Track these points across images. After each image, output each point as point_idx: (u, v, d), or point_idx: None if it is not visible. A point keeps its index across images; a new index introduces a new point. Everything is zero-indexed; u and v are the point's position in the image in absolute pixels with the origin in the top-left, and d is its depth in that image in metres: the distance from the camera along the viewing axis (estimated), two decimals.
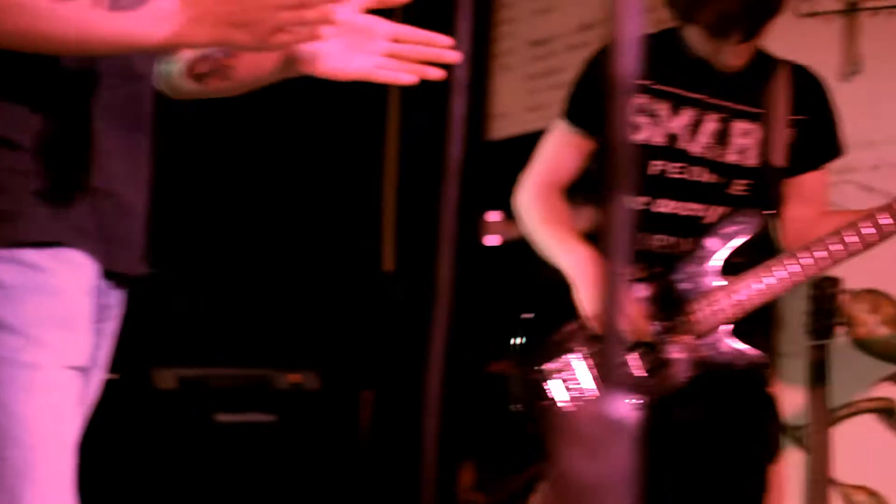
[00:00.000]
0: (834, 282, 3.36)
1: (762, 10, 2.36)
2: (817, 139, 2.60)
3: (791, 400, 3.63)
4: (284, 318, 4.50)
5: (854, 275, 3.46)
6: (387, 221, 5.11)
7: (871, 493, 3.42)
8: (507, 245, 4.22)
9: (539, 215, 2.57)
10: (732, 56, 2.45)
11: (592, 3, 4.39)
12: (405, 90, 4.70)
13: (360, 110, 4.82)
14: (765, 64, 2.58)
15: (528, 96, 4.49)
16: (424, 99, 4.73)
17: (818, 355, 3.29)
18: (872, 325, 3.49)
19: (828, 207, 2.65)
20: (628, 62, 0.68)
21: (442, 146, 4.63)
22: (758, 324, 2.51)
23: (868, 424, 3.50)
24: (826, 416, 3.24)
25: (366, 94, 4.78)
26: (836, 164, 3.50)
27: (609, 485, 0.71)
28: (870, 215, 2.36)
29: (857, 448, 3.48)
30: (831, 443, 3.27)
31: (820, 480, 3.24)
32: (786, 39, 3.61)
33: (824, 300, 3.35)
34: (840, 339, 3.57)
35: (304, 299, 4.62)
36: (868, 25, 3.52)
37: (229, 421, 4.02)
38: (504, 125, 4.74)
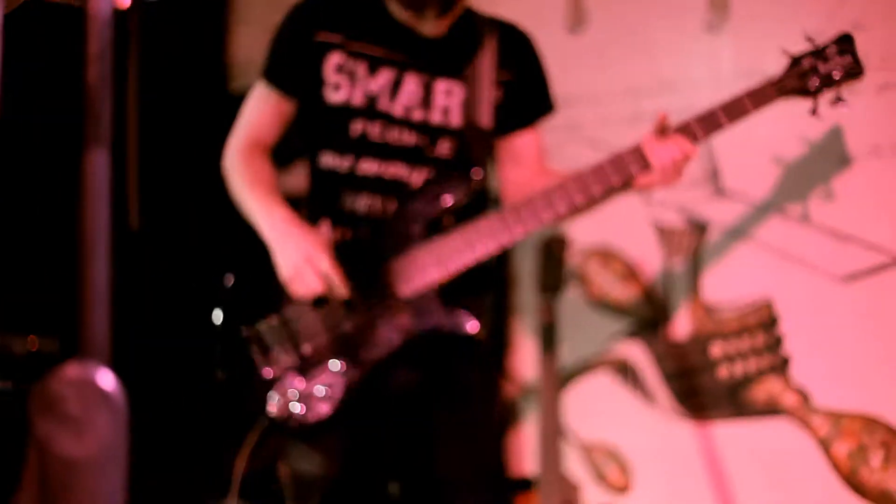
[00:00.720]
0: (562, 240, 3.35)
1: None
2: (525, 98, 2.55)
3: (529, 357, 3.62)
4: (20, 281, 4.27)
5: (583, 233, 3.47)
6: (131, 179, 4.92)
7: (609, 450, 3.44)
8: None
9: (241, 177, 2.44)
10: (432, 26, 2.37)
11: None
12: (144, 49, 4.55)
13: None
14: (471, 25, 2.51)
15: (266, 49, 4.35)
16: (164, 57, 4.58)
17: (547, 314, 3.28)
18: (604, 282, 3.49)
19: (543, 166, 2.60)
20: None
21: (183, 101, 4.38)
22: (472, 285, 2.43)
23: (604, 381, 3.51)
24: (554, 374, 3.23)
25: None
26: (563, 122, 3.49)
27: (95, 462, 0.57)
28: (578, 176, 2.31)
29: (594, 405, 3.49)
30: (561, 401, 3.27)
31: (551, 437, 3.23)
32: None
33: (553, 259, 3.34)
34: (573, 297, 3.57)
35: (40, 261, 4.40)
36: None
37: None
38: (245, 79, 4.58)
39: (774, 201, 3.06)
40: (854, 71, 2.39)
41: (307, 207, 2.48)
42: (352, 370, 2.26)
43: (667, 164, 2.30)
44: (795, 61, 2.40)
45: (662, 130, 2.33)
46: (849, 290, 2.90)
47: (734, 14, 3.15)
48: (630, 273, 3.42)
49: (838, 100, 2.39)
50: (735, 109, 2.35)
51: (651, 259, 3.37)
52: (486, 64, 2.48)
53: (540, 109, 2.59)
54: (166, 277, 4.32)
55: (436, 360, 2.39)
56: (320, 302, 2.25)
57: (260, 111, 2.49)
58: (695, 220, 3.25)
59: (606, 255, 3.49)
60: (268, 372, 2.26)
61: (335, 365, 2.26)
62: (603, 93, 3.44)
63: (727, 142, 3.15)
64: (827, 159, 2.94)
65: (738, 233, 3.15)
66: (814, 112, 2.39)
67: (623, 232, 3.42)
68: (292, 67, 2.44)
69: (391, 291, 2.28)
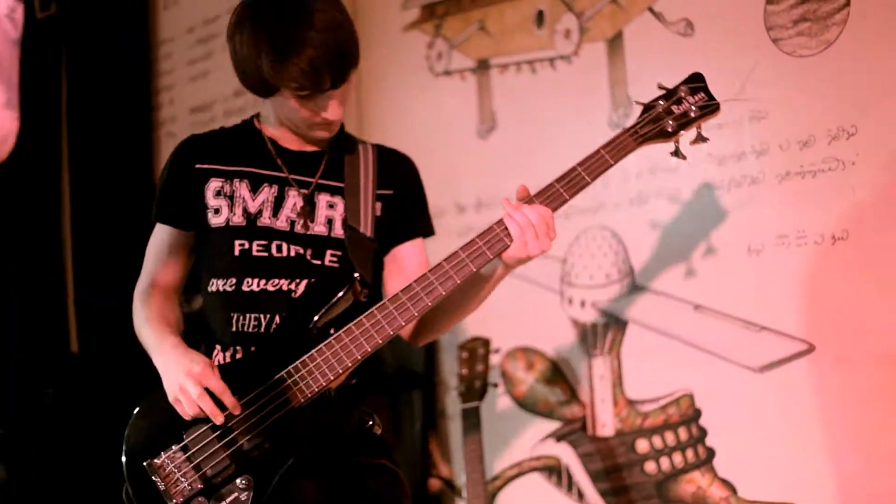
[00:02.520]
0: (485, 342, 3.34)
1: (346, 51, 2.32)
2: (407, 211, 2.56)
3: (458, 459, 3.59)
4: None
5: (505, 333, 3.46)
6: (69, 302, 4.91)
7: None
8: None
9: (138, 317, 2.49)
10: (330, 111, 2.38)
11: None
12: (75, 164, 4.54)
13: (35, 185, 4.62)
14: (350, 145, 2.54)
15: None
16: (95, 178, 4.58)
17: (470, 417, 3.26)
18: (529, 382, 3.48)
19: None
20: None
21: (116, 222, 4.35)
22: (366, 383, 2.42)
23: (535, 482, 3.48)
24: (480, 476, 3.20)
25: (39, 169, 4.64)
26: (478, 223, 3.51)
27: None
28: (452, 256, 2.29)
29: None
30: (487, 500, 3.23)
31: None
32: (425, 99, 3.62)
33: (476, 362, 3.33)
34: (501, 398, 3.55)
35: None
36: (498, 82, 3.55)
37: None
38: None
39: (688, 296, 3.07)
40: (709, 106, 2.36)
41: (200, 332, 2.49)
42: (258, 484, 2.23)
43: (524, 230, 2.24)
44: (648, 107, 2.38)
45: (525, 200, 2.32)
46: (765, 380, 2.90)
47: (636, 110, 3.19)
48: (554, 372, 3.41)
49: (700, 139, 2.36)
50: (594, 165, 2.31)
51: (574, 358, 3.36)
52: (367, 178, 2.50)
53: (422, 227, 2.59)
54: (106, 400, 4.28)
55: (339, 464, 2.36)
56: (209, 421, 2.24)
57: (158, 251, 2.51)
58: (614, 318, 3.26)
59: (529, 354, 3.48)
60: (177, 499, 2.22)
61: (241, 482, 2.22)
62: (514, 193, 3.45)
63: (638, 242, 3.18)
64: (735, 252, 2.96)
65: (656, 328, 3.15)
66: (676, 153, 2.35)
67: (545, 332, 3.42)
68: (178, 201, 2.45)
69: (285, 401, 2.26)
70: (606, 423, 3.28)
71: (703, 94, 2.37)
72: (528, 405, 3.49)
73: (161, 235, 2.51)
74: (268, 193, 2.44)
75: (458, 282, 2.26)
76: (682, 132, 2.35)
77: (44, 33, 4.63)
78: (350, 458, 2.36)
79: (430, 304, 2.27)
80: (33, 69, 4.64)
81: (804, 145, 2.82)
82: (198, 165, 2.45)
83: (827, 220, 2.78)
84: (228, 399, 2.24)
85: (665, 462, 3.15)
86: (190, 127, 4.56)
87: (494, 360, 3.41)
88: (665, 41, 3.12)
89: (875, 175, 2.70)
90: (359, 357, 2.27)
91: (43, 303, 4.75)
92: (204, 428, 2.26)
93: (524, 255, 2.25)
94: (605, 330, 3.28)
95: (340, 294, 2.31)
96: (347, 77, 2.32)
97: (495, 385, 3.36)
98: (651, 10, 3.16)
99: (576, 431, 3.36)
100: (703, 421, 3.06)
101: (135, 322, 2.50)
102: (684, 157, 2.34)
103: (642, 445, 3.20)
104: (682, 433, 3.11)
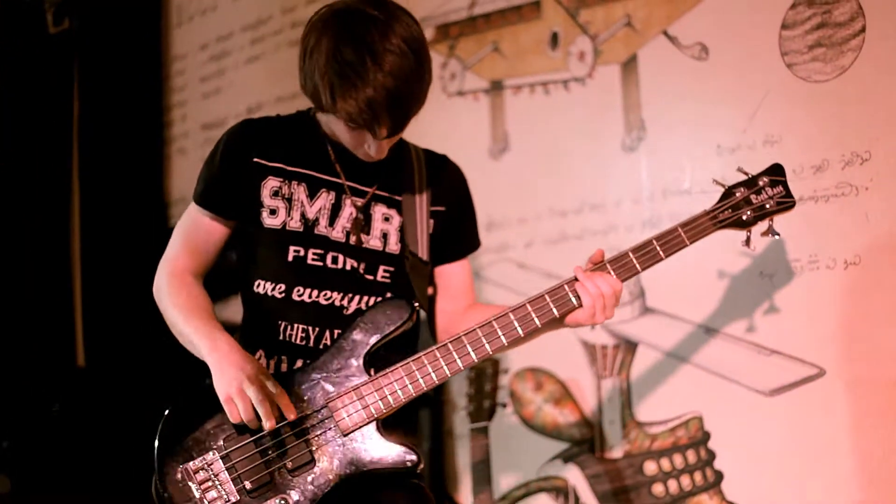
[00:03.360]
0: (494, 362, 3.34)
1: (407, 105, 2.27)
2: (458, 231, 2.56)
3: (465, 479, 3.58)
4: None
5: (515, 354, 3.46)
6: (77, 318, 4.91)
7: None
8: None
9: (175, 304, 2.38)
10: (373, 149, 2.34)
11: (258, 86, 4.34)
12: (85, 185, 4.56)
13: (45, 199, 4.63)
14: (406, 153, 2.51)
15: None
16: (105, 193, 4.59)
17: (479, 437, 3.26)
18: (538, 403, 3.48)
19: (473, 299, 2.60)
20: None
21: (125, 238, 4.34)
22: (409, 417, 2.41)
23: (542, 503, 3.47)
24: (488, 496, 3.19)
25: (49, 183, 4.65)
26: (492, 243, 3.52)
27: None
28: (518, 309, 2.31)
29: None
30: None
31: None
32: (438, 119, 3.63)
33: (484, 382, 3.33)
34: (509, 418, 3.55)
35: None
36: (511, 103, 3.57)
37: None
38: (182, 210, 4.59)
39: (699, 319, 3.08)
40: (786, 202, 2.41)
41: (242, 334, 2.43)
42: None
43: (596, 300, 2.29)
44: (728, 192, 2.41)
45: (598, 264, 2.34)
46: (775, 404, 2.91)
47: (649, 133, 3.21)
48: (563, 393, 3.41)
49: (772, 232, 2.41)
50: (671, 242, 2.35)
51: (583, 378, 3.36)
52: (422, 193, 2.47)
53: (471, 244, 2.60)
54: (113, 414, 4.28)
55: (376, 497, 2.33)
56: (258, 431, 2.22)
57: (194, 234, 2.43)
58: (624, 339, 3.26)
59: (538, 375, 3.48)
60: None
61: (279, 501, 2.21)
62: (528, 215, 3.47)
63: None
64: (747, 277, 2.97)
65: (666, 350, 3.16)
66: (747, 243, 2.39)
67: (555, 352, 3.42)
68: (228, 190, 2.38)
69: (334, 427, 2.25)
70: (615, 445, 3.28)
71: (781, 188, 2.41)
72: (537, 426, 3.49)
73: (199, 219, 2.43)
74: (325, 200, 2.40)
75: (521, 335, 2.30)
76: (757, 223, 2.40)
77: (56, 48, 4.64)
78: (387, 485, 2.34)
79: (490, 352, 2.30)
80: (46, 84, 4.67)
81: (818, 170, 2.84)
82: (256, 159, 2.39)
83: (839, 245, 2.79)
84: (286, 404, 2.21)
85: (673, 484, 3.15)
86: (202, 144, 4.57)
87: (503, 380, 3.42)
88: (679, 65, 3.13)
89: (888, 201, 2.71)
90: (413, 394, 2.27)
91: (50, 317, 4.75)
92: (247, 440, 2.24)
93: (590, 322, 2.32)
94: (615, 351, 3.29)
95: (400, 324, 2.31)
96: (402, 128, 2.28)
97: (504, 405, 3.36)
98: (666, 33, 3.18)
99: (584, 452, 3.36)
100: (711, 444, 3.06)
101: (166, 306, 2.41)
102: (753, 248, 2.42)
103: (650, 467, 3.19)
104: (691, 456, 3.11)
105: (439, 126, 3.62)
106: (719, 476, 3.04)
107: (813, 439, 2.83)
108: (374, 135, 2.23)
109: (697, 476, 3.09)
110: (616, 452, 3.28)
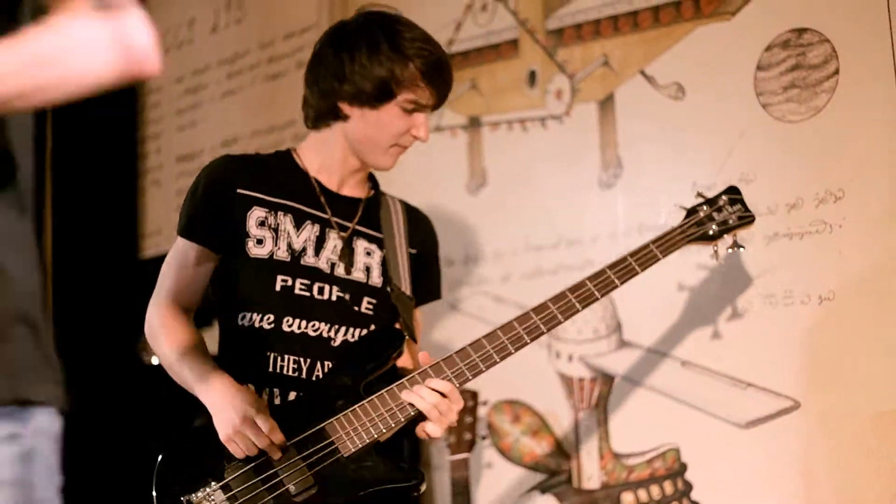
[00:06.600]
0: (473, 394, 3.37)
1: (450, 72, 2.49)
2: (427, 276, 2.63)
3: None
4: None
5: (493, 386, 3.50)
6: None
7: None
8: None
9: (168, 344, 2.40)
10: (423, 131, 2.44)
11: (234, 119, 4.37)
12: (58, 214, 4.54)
13: None
14: (381, 198, 2.59)
15: (178, 212, 4.38)
16: (78, 225, 4.58)
17: (458, 469, 3.29)
18: (515, 435, 3.52)
19: (416, 349, 2.64)
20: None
21: (98, 269, 4.30)
22: (402, 441, 2.47)
23: None
24: None
25: None
26: (469, 278, 3.57)
27: None
28: (495, 335, 2.38)
29: None
30: None
31: None
32: (416, 154, 3.67)
33: (463, 413, 3.36)
34: (487, 449, 3.59)
35: None
36: (489, 140, 3.63)
37: None
38: (156, 242, 4.61)
39: (676, 352, 3.14)
40: (747, 216, 2.57)
41: (227, 367, 2.40)
42: None
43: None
44: (692, 210, 2.56)
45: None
46: (751, 436, 2.97)
47: (626, 171, 3.27)
48: (540, 425, 3.45)
49: (737, 246, 2.55)
50: (646, 258, 2.48)
51: (560, 411, 3.41)
52: (400, 233, 2.54)
53: (432, 293, 2.67)
54: (98, 455, 4.23)
55: None
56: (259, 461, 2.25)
57: (182, 270, 2.44)
58: (601, 372, 3.31)
59: (516, 407, 3.52)
60: None
61: None
62: (505, 249, 3.52)
63: (626, 298, 3.24)
64: (724, 312, 3.04)
65: (642, 383, 3.21)
66: (715, 255, 2.56)
67: (532, 385, 3.46)
68: (214, 221, 2.41)
69: (334, 450, 2.28)
70: (592, 476, 3.32)
71: (740, 206, 2.58)
72: (515, 457, 3.53)
73: (186, 252, 2.44)
74: (310, 232, 2.45)
75: (513, 352, 2.41)
76: (723, 237, 2.55)
77: None
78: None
79: (484, 370, 2.39)
80: (19, 115, 4.65)
81: (792, 208, 2.91)
82: (240, 190, 2.42)
83: (814, 281, 2.86)
84: (280, 439, 2.24)
85: None
86: (176, 176, 4.58)
87: (481, 411, 3.45)
88: (656, 104, 3.21)
89: (861, 238, 2.79)
90: (412, 414, 2.31)
91: None
92: (246, 468, 2.26)
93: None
94: (592, 384, 3.34)
95: (393, 355, 2.38)
96: (446, 97, 2.50)
97: (484, 437, 3.40)
98: (643, 73, 3.25)
99: (561, 484, 3.40)
100: (688, 475, 3.12)
101: (158, 346, 2.43)
102: (722, 262, 2.64)
103: (628, 498, 3.24)
104: (668, 487, 3.16)
105: (417, 161, 3.66)
106: None
107: (788, 471, 2.89)
108: (438, 91, 2.44)
109: None
110: (593, 483, 3.32)
